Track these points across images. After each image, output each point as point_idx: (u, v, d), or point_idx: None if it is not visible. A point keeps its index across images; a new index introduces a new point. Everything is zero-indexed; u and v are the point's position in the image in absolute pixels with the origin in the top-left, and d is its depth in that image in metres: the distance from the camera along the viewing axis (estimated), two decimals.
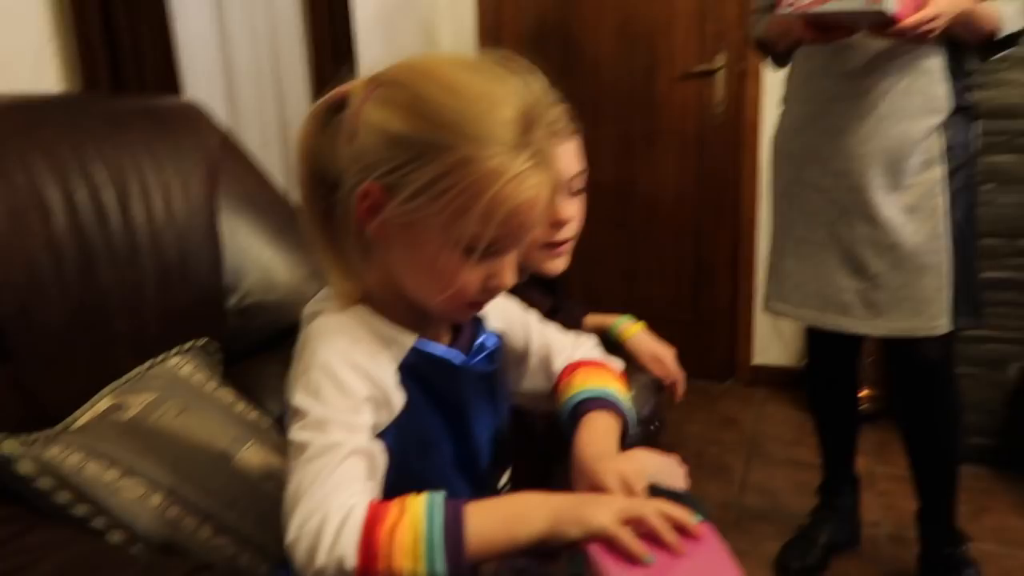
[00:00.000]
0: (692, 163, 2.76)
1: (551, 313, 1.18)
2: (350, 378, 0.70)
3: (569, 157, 1.15)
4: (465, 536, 0.64)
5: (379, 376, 0.72)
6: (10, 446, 0.83)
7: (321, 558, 0.63)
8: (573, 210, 1.17)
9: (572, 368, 0.90)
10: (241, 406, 1.10)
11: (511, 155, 0.67)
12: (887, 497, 2.08)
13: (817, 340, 1.74)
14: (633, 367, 1.47)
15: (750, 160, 2.67)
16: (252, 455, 1.01)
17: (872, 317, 1.52)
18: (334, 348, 0.71)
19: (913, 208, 1.45)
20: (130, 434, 0.93)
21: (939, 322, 1.46)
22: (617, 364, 0.94)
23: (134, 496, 0.86)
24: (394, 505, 0.66)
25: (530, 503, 0.69)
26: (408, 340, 0.76)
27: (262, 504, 0.95)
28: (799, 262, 1.59)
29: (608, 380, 0.89)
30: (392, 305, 0.76)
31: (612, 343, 1.42)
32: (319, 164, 0.73)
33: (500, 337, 0.86)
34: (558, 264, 1.19)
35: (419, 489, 0.70)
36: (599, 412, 0.83)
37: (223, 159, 1.38)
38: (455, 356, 0.79)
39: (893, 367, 1.63)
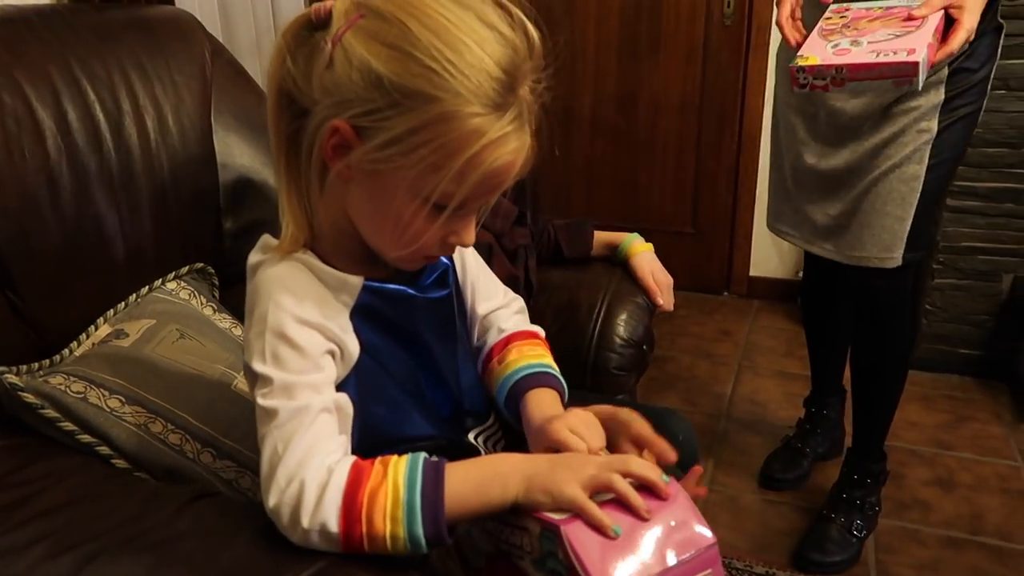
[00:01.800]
0: (697, 70, 2.69)
1: (520, 219, 1.19)
2: (304, 337, 0.69)
3: None
4: (445, 498, 0.65)
5: (331, 328, 0.71)
6: (13, 377, 0.85)
7: (305, 522, 0.64)
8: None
9: (505, 342, 0.90)
10: (239, 331, 1.12)
11: (494, 116, 0.64)
12: None
13: (812, 257, 1.74)
14: (630, 287, 1.49)
15: (758, 66, 2.60)
16: None
17: (835, 242, 1.48)
18: (282, 307, 0.69)
19: (898, 132, 1.38)
20: (130, 361, 0.95)
21: (893, 255, 1.42)
22: (538, 329, 0.95)
23: (135, 423, 0.89)
24: (377, 466, 0.67)
25: (504, 467, 0.69)
26: (356, 282, 0.74)
27: None
28: (793, 183, 1.57)
29: (542, 353, 0.91)
30: (340, 246, 0.74)
31: (619, 260, 1.44)
32: (290, 85, 0.68)
33: (450, 260, 0.84)
34: None
35: (385, 438, 0.72)
36: (542, 389, 0.85)
37: (217, 74, 1.36)
38: (406, 288, 0.78)
39: (847, 294, 1.60)
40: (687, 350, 2.52)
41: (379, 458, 0.68)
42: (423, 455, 0.69)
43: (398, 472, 0.66)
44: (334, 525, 0.64)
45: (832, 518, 1.65)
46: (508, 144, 0.66)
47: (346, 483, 0.65)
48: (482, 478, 0.68)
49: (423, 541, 0.65)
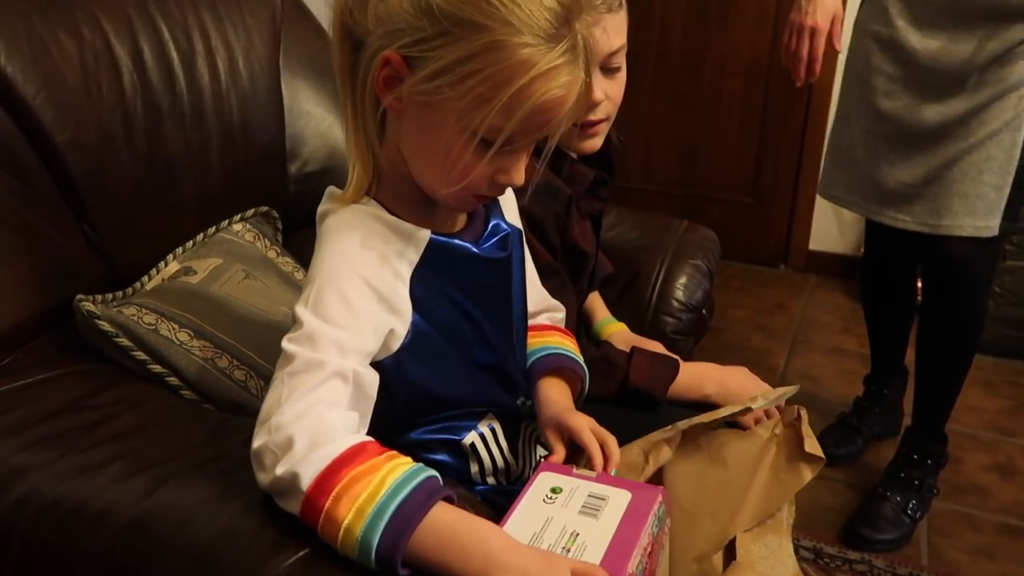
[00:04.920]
0: (768, 32, 2.61)
1: (595, 184, 1.15)
2: (355, 292, 0.67)
3: (612, 31, 0.99)
4: (417, 527, 0.59)
5: (387, 289, 0.69)
6: (90, 306, 0.87)
7: (280, 470, 0.61)
8: (606, 90, 1.02)
9: (543, 327, 0.92)
10: (301, 275, 1.13)
11: (545, 47, 0.62)
12: None
13: (876, 229, 1.68)
14: (690, 250, 1.46)
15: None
16: None
17: (912, 211, 1.44)
18: (343, 258, 0.68)
19: (997, 96, 1.34)
20: (198, 297, 0.97)
21: (990, 223, 1.38)
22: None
23: (203, 357, 0.91)
24: (379, 456, 0.63)
25: (477, 540, 0.61)
26: (424, 235, 0.71)
27: None
28: (864, 150, 1.52)
29: (559, 340, 0.92)
30: (400, 193, 0.72)
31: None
32: (347, 17, 0.67)
33: (512, 227, 0.82)
34: (592, 144, 1.07)
35: (430, 401, 0.73)
36: (564, 372, 0.88)
37: (286, 18, 1.36)
38: (470, 245, 0.76)
39: (923, 264, 1.57)
40: (741, 321, 2.49)
41: (390, 451, 0.64)
42: (431, 472, 0.63)
43: (392, 472, 0.61)
44: (306, 483, 0.60)
45: (887, 496, 1.62)
46: (559, 77, 0.63)
47: (340, 454, 0.61)
48: (461, 536, 0.61)
49: (373, 554, 0.59)
